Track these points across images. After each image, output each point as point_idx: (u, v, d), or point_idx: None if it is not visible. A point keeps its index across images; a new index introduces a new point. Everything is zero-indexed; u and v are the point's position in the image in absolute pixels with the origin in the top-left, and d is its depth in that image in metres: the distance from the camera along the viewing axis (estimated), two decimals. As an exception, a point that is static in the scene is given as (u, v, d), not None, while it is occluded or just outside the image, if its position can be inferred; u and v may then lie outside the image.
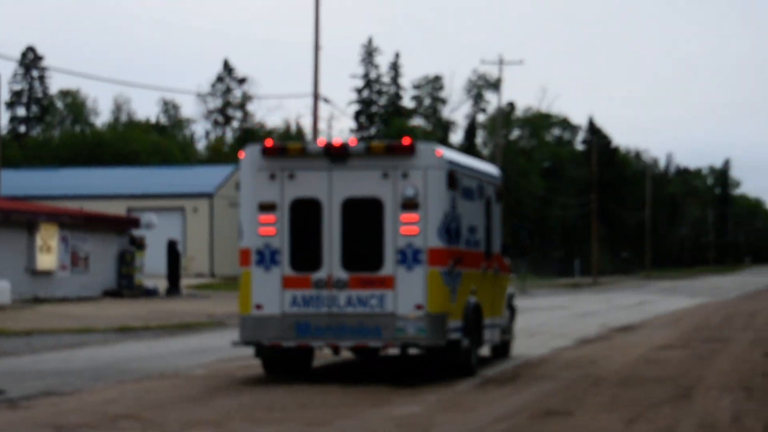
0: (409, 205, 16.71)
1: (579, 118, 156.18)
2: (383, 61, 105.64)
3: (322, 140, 19.74)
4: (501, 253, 20.31)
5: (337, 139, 19.73)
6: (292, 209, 17.06)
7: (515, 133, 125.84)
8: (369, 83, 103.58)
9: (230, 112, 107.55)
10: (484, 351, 18.74)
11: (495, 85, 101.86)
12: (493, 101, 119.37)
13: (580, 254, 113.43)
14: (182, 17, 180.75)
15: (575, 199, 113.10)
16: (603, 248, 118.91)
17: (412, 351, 17.22)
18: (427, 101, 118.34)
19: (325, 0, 44.78)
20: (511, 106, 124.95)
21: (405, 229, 16.75)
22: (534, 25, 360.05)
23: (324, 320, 16.79)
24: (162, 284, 44.15)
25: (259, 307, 16.84)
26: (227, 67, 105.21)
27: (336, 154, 16.98)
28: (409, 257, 16.74)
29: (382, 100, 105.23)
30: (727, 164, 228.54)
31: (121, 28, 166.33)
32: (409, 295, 16.54)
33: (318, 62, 42.26)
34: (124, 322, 28.66)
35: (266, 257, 17.04)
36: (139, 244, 42.88)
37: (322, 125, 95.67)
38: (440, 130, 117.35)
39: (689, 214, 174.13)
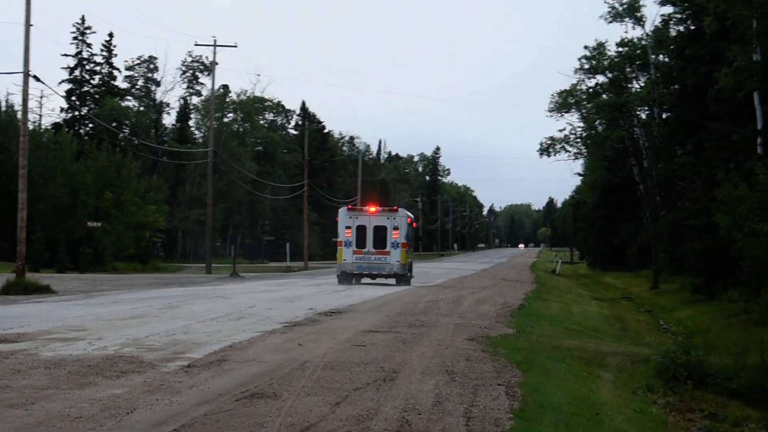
0: (396, 228, 47.33)
1: (293, 103, 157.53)
2: (96, 41, 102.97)
3: (368, 207, 50.02)
4: (411, 244, 50.28)
5: (373, 206, 49.92)
6: (356, 228, 47.06)
7: (229, 117, 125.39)
8: (81, 62, 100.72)
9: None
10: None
11: (209, 68, 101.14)
12: (207, 84, 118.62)
13: (292, 239, 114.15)
14: None
15: (287, 184, 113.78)
16: (314, 233, 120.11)
17: (392, 278, 48.19)
18: (140, 82, 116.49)
19: (33, -28, 43.32)
20: (225, 89, 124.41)
21: (394, 236, 47.22)
22: (248, 9, 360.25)
23: (366, 266, 47.28)
24: None
25: (345, 260, 47.22)
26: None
27: (372, 211, 48.20)
28: (395, 245, 47.23)
29: (95, 80, 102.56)
30: (437, 152, 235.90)
31: None
32: (395, 258, 47.23)
33: (29, 40, 40.65)
34: None
35: (348, 244, 47.00)
36: None
37: (32, 104, 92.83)
38: (153, 112, 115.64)
39: (400, 200, 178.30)
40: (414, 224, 52.21)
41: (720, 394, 18.10)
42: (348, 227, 47.22)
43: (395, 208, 51.15)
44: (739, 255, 34.09)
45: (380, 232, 47.37)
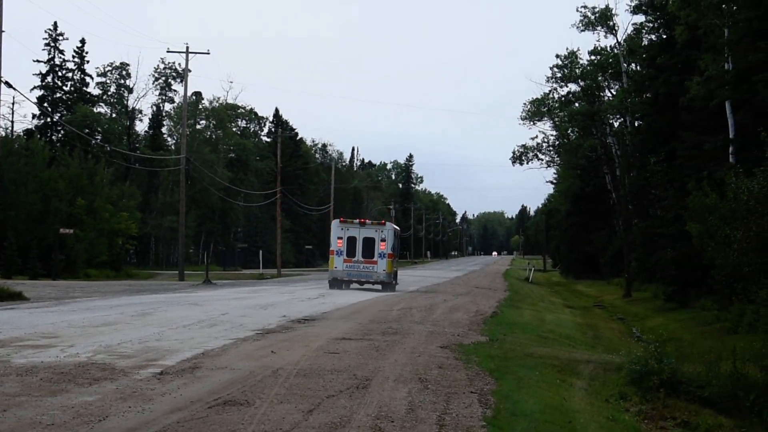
0: (383, 240, 51.65)
1: (266, 111, 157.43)
2: (68, 47, 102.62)
3: (360, 219, 55.08)
4: (397, 254, 54.59)
5: (363, 219, 55.93)
6: (347, 239, 51.47)
7: (202, 124, 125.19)
8: (53, 69, 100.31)
9: None
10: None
11: (181, 75, 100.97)
12: (180, 91, 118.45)
13: (265, 246, 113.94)
14: None
15: (260, 190, 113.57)
16: (287, 240, 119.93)
17: (378, 285, 51.91)
18: (112, 88, 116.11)
19: (5, -23, 43.13)
20: (198, 96, 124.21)
21: (382, 247, 51.50)
22: (221, 16, 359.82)
23: (355, 273, 51.37)
24: None
25: (335, 267, 51.44)
26: None
27: (362, 223, 52.81)
28: (382, 256, 51.40)
29: (67, 87, 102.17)
30: (410, 160, 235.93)
31: None
32: (381, 267, 51.30)
33: (0, 46, 40.44)
34: None
35: (339, 253, 51.33)
36: None
37: (4, 110, 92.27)
38: (126, 119, 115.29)
39: (373, 208, 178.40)
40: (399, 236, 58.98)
41: (692, 402, 18.13)
42: (339, 237, 51.85)
43: (383, 221, 54.97)
44: (710, 263, 34.21)
45: (369, 243, 51.73)
